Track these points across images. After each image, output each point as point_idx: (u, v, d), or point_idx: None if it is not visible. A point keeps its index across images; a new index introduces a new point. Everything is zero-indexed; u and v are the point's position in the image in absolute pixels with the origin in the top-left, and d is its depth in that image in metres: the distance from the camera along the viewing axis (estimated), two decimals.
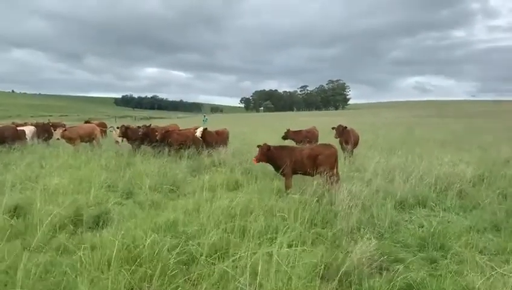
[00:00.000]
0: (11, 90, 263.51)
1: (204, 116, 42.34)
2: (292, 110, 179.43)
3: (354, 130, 13.74)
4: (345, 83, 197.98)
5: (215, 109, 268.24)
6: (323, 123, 30.42)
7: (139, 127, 15.23)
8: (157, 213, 7.15)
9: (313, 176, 8.81)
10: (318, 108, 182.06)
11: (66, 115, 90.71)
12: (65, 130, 15.91)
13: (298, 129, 15.96)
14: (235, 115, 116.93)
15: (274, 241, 5.34)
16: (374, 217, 6.46)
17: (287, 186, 8.76)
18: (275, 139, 16.68)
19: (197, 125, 18.99)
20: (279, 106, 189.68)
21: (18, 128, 17.46)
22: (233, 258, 4.64)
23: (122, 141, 16.64)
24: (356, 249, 4.92)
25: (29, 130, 17.78)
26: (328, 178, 8.26)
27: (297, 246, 5.09)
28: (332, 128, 13.34)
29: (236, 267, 4.56)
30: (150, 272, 4.56)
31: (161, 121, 56.41)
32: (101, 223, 6.63)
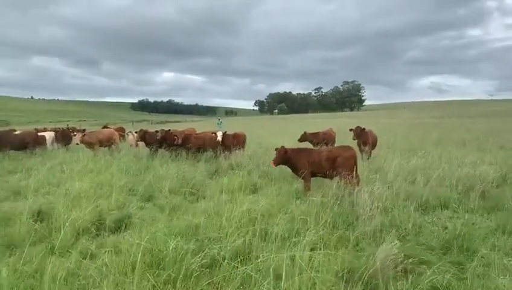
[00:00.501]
0: (30, 97, 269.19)
1: (219, 119, 42.33)
2: (307, 112, 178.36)
3: (372, 132, 13.61)
4: (360, 84, 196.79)
5: (230, 112, 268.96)
6: (339, 125, 30.27)
7: (157, 131, 15.35)
8: (177, 217, 7.19)
9: (332, 178, 8.75)
10: (333, 110, 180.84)
11: (84, 120, 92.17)
12: (84, 135, 16.14)
13: (315, 131, 15.90)
14: (249, 118, 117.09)
15: (296, 244, 5.32)
16: (396, 220, 6.37)
17: (306, 189, 8.72)
18: (291, 142, 16.66)
19: (211, 128, 19.07)
20: (294, 108, 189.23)
21: (38, 134, 17.77)
22: (256, 261, 4.63)
23: (137, 145, 16.83)
24: (380, 252, 4.86)
25: (49, 135, 18.08)
26: (348, 180, 8.21)
27: (320, 250, 5.06)
28: (350, 129, 13.24)
29: (259, 270, 4.56)
30: (174, 275, 4.58)
31: (176, 124, 56.83)
32: (123, 227, 6.70)
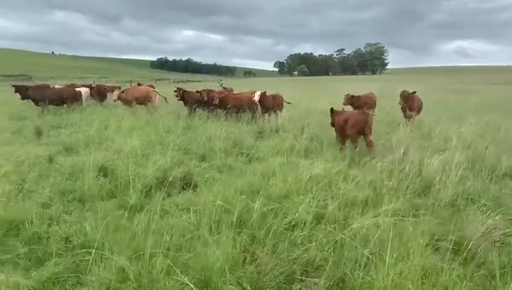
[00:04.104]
0: (50, 52, 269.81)
1: (221, 80, 41.75)
2: (327, 74, 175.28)
3: (418, 97, 13.22)
4: (383, 47, 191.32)
5: (248, 72, 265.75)
6: (364, 89, 29.54)
7: (198, 91, 15.23)
8: (238, 177, 7.17)
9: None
10: (354, 72, 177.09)
11: (106, 77, 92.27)
12: (122, 92, 16.20)
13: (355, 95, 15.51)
14: (269, 79, 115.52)
15: (370, 211, 5.27)
16: (469, 189, 6.21)
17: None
18: (325, 104, 16.38)
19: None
20: (314, 71, 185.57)
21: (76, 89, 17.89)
22: (350, 227, 4.58)
23: None
24: (465, 221, 4.77)
25: (84, 91, 18.17)
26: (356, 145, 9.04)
27: (400, 217, 4.99)
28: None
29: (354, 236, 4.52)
30: (262, 235, 4.60)
31: (198, 84, 56.49)
32: (189, 186, 6.72)
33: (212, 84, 44.44)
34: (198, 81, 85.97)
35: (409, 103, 12.70)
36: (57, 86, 19.66)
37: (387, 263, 3.77)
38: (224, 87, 20.55)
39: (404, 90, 12.73)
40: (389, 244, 3.92)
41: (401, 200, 5.52)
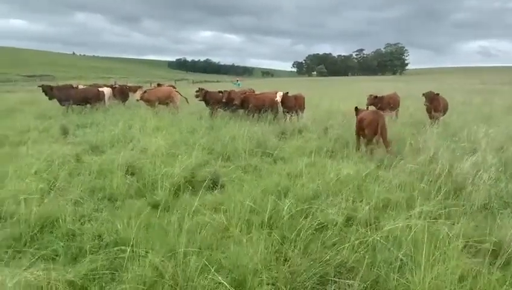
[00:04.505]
0: (72, 52, 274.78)
1: (237, 80, 41.26)
2: (346, 75, 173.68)
3: (443, 97, 12.99)
4: (404, 47, 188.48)
5: (266, 73, 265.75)
6: (385, 89, 29.13)
7: (220, 92, 15.30)
8: (263, 178, 7.17)
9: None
10: (374, 73, 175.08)
11: (126, 77, 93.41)
12: (145, 92, 16.40)
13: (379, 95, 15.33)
14: (287, 80, 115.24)
15: (402, 213, 5.19)
16: (504, 192, 6.06)
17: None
18: (347, 105, 16.22)
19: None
20: (333, 71, 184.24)
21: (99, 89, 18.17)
22: (384, 229, 4.52)
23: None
24: (501, 224, 4.66)
25: (106, 91, 18.45)
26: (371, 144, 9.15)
27: (433, 219, 4.90)
28: (423, 94, 12.68)
29: (387, 237, 4.46)
30: (292, 236, 4.58)
31: (216, 84, 56.71)
32: (216, 186, 6.75)
33: (229, 84, 44.57)
34: (217, 82, 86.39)
35: (435, 104, 12.50)
36: (80, 86, 20.01)
37: (423, 266, 3.70)
38: (247, 90, 20.53)
39: (429, 91, 12.54)
40: (424, 247, 3.85)
41: (433, 203, 5.41)
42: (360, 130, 9.43)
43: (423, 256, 3.78)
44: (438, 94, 12.36)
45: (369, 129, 9.04)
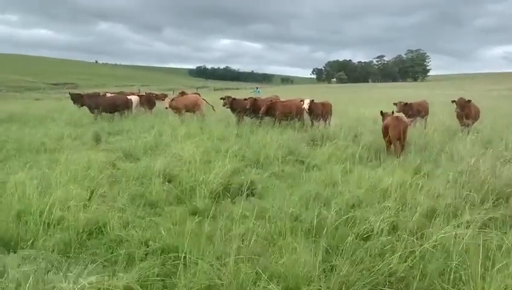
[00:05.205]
0: (94, 61, 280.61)
1: (257, 87, 41.10)
2: (367, 81, 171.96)
3: (475, 104, 12.76)
4: (425, 53, 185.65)
5: (285, 79, 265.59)
6: (408, 95, 28.73)
7: (245, 99, 15.39)
8: (298, 185, 7.16)
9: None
10: (395, 79, 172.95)
11: (148, 85, 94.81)
12: (173, 100, 16.63)
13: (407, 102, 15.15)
14: (308, 86, 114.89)
15: (447, 222, 5.09)
16: None
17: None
18: (373, 112, 16.07)
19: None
20: (353, 78, 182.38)
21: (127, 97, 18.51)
22: (432, 238, 4.44)
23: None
24: None
25: (134, 99, 18.76)
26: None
27: (480, 228, 4.79)
28: (453, 101, 12.48)
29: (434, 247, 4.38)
30: (337, 244, 4.55)
31: (236, 91, 57.05)
32: (256, 193, 6.77)
33: (248, 92, 44.66)
34: (236, 89, 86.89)
35: (466, 111, 12.29)
36: (108, 94, 20.42)
37: (489, 276, 3.61)
38: (272, 97, 20.53)
39: (460, 98, 12.33)
40: (480, 257, 3.77)
41: (480, 211, 5.30)
42: (385, 135, 9.88)
43: (479, 266, 3.70)
44: (469, 101, 12.15)
45: (393, 134, 9.47)
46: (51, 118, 17.57)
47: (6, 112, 20.12)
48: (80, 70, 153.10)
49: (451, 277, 3.87)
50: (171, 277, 3.98)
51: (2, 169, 8.04)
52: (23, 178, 6.64)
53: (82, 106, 16.98)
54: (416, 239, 4.63)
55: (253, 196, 6.69)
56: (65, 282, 3.57)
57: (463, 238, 4.38)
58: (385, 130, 9.89)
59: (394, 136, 9.48)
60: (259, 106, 14.80)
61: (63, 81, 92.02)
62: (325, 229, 4.91)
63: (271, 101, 15.13)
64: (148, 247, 4.70)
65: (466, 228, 4.68)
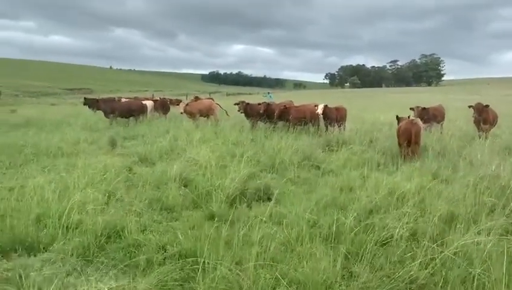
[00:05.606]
0: (109, 67, 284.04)
1: (269, 92, 40.91)
2: (380, 86, 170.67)
3: (492, 109, 12.56)
4: (439, 58, 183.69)
5: (298, 84, 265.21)
6: (422, 100, 28.42)
7: (259, 104, 15.40)
8: (314, 190, 7.12)
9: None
10: (408, 84, 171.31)
11: (161, 90, 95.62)
12: (187, 105, 16.73)
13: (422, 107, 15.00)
14: (321, 91, 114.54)
15: (467, 228, 4.99)
16: None
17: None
18: (389, 117, 15.94)
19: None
20: (366, 82, 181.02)
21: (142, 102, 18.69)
22: (453, 245, 4.36)
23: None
24: None
25: (149, 104, 18.93)
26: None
27: (502, 236, 4.70)
28: (470, 106, 12.31)
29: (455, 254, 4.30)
30: (356, 250, 4.49)
31: (249, 96, 57.08)
32: (272, 198, 6.72)
33: (260, 96, 44.54)
34: (249, 94, 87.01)
35: (484, 116, 12.11)
36: (123, 99, 20.65)
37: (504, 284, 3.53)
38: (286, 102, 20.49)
39: (478, 103, 12.15)
40: (504, 264, 3.69)
41: (500, 218, 5.19)
42: (399, 138, 10.03)
43: (503, 274, 3.62)
44: (487, 106, 11.97)
45: (405, 137, 9.63)
46: (66, 122, 17.82)
47: (23, 116, 20.54)
48: (94, 76, 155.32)
49: (474, 284, 3.78)
50: (189, 282, 3.98)
51: (21, 173, 8.14)
52: (41, 182, 6.75)
53: (98, 110, 17.17)
54: (437, 246, 4.55)
55: (269, 201, 6.64)
56: (86, 286, 3.60)
57: (485, 245, 4.28)
58: (398, 134, 10.06)
59: (405, 139, 9.60)
60: (273, 111, 14.80)
61: (78, 87, 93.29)
62: (344, 235, 4.86)
63: (284, 106, 15.09)
64: (166, 251, 4.71)
65: (487, 235, 4.59)
